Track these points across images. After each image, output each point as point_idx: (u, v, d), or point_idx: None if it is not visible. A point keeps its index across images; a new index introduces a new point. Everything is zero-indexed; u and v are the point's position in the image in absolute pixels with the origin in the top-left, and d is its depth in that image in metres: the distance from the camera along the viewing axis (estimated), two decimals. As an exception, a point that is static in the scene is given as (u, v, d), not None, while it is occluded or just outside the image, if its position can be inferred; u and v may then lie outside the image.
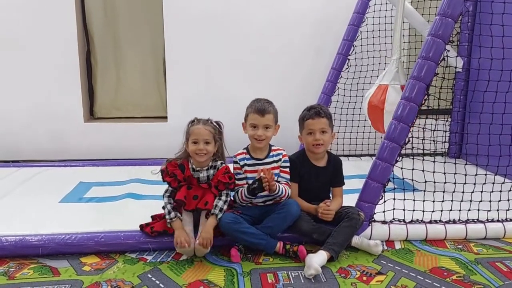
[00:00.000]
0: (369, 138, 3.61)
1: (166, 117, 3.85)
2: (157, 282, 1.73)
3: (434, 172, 2.25)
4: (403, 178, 2.20)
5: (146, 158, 3.65)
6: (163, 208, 2.00)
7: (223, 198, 2.02)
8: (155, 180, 2.38)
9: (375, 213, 2.12)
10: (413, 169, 2.21)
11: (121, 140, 3.78)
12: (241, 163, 2.09)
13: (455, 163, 2.36)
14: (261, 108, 2.01)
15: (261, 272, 1.82)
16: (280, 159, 2.11)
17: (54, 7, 3.50)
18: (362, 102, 3.14)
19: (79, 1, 3.66)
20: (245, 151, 2.12)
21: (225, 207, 2.00)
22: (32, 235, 1.96)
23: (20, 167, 3.35)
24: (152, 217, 2.10)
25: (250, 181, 2.02)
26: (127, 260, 1.92)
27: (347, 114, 3.57)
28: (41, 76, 3.61)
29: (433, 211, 2.18)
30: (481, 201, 2.25)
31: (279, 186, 2.01)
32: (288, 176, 2.11)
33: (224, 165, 2.07)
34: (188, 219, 2.01)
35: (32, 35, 3.53)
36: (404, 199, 2.19)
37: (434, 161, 2.26)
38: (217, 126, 2.07)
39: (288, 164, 2.12)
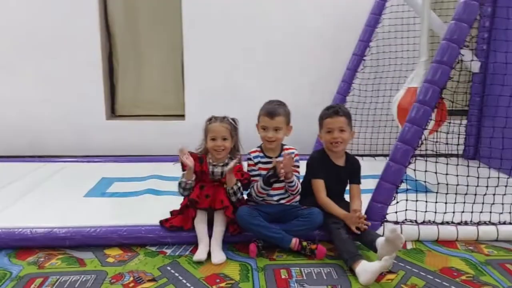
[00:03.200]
0: (383, 138, 3.65)
1: (183, 115, 3.95)
2: (176, 274, 1.83)
3: (446, 174, 2.29)
4: (416, 180, 2.23)
5: (164, 155, 3.76)
6: (179, 184, 2.10)
7: (237, 195, 2.11)
8: (173, 176, 2.49)
9: (387, 214, 2.17)
10: (426, 170, 2.24)
11: (141, 137, 3.90)
12: (255, 160, 2.16)
13: (468, 166, 2.37)
14: (271, 111, 2.07)
15: (274, 268, 1.89)
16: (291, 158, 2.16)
17: (79, 9, 3.64)
18: (389, 104, 3.14)
19: (102, 4, 3.78)
20: (259, 149, 2.19)
21: (239, 193, 2.10)
22: (60, 228, 2.08)
23: (46, 162, 3.50)
24: (171, 212, 2.20)
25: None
26: (147, 253, 2.02)
27: (362, 115, 3.60)
28: (66, 75, 3.75)
29: (445, 213, 2.22)
30: (493, 203, 2.27)
31: (293, 176, 2.06)
32: (298, 175, 2.16)
33: (237, 164, 2.12)
34: (202, 217, 2.09)
35: (59, 37, 3.67)
36: (417, 200, 2.23)
37: (447, 164, 2.30)
38: (233, 122, 2.16)
39: (298, 164, 2.16)
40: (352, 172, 2.21)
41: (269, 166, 2.10)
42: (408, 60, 3.46)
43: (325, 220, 2.05)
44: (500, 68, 2.48)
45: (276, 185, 2.11)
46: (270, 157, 2.15)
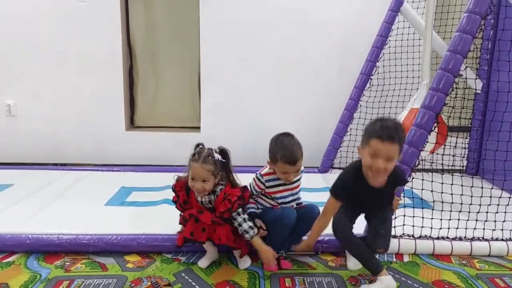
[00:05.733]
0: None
1: (199, 127, 4.16)
2: (190, 280, 2.00)
3: (442, 192, 2.43)
4: (422, 199, 2.37)
5: (180, 165, 3.97)
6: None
7: (239, 220, 2.00)
8: None
9: (386, 228, 2.32)
10: (422, 189, 2.39)
11: (158, 148, 4.12)
12: (267, 184, 2.12)
13: (465, 185, 2.52)
14: (292, 159, 1.99)
15: (280, 276, 2.06)
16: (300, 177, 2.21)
17: (103, 27, 3.89)
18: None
19: (124, 21, 4.03)
20: (272, 171, 2.12)
21: (249, 223, 2.00)
22: (84, 235, 2.27)
23: (69, 170, 3.74)
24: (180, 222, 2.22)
25: (269, 201, 2.16)
26: (164, 259, 2.20)
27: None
28: (90, 89, 3.99)
29: (440, 228, 2.36)
30: (486, 220, 2.41)
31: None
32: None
33: (223, 189, 2.02)
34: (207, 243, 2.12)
35: (84, 54, 3.91)
36: (414, 216, 2.38)
37: (445, 181, 2.44)
38: (217, 160, 1.99)
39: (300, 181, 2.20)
40: (392, 190, 1.94)
41: (280, 189, 2.13)
42: (413, 79, 3.61)
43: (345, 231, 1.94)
44: (504, 86, 2.62)
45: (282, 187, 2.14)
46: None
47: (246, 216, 2.03)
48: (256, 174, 2.18)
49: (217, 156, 2.01)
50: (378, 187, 1.86)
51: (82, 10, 3.83)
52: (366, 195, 1.90)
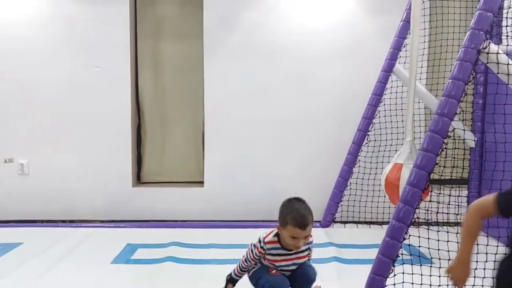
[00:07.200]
0: (389, 207, 3.87)
1: (202, 182, 4.28)
2: None
3: (438, 249, 2.49)
4: (419, 255, 2.41)
5: (184, 220, 4.07)
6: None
7: None
8: (193, 244, 2.79)
9: (385, 286, 2.36)
10: (419, 246, 2.45)
11: (163, 203, 4.23)
12: (269, 252, 2.12)
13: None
14: (303, 222, 1.99)
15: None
16: (309, 248, 2.21)
17: (114, 88, 4.14)
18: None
19: (134, 82, 4.29)
20: (276, 239, 2.12)
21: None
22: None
23: (77, 227, 3.84)
24: None
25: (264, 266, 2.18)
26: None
27: (368, 185, 3.87)
28: (98, 145, 4.18)
29: (439, 285, 2.39)
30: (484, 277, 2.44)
31: None
32: (311, 259, 2.26)
33: None
34: None
35: (94, 112, 4.13)
36: (413, 273, 2.42)
37: (438, 239, 2.51)
38: None
39: (311, 247, 2.24)
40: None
41: (289, 257, 2.15)
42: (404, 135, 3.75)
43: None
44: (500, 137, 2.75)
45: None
46: (290, 250, 2.13)
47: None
48: (259, 237, 2.18)
49: None
50: None
51: (97, 73, 4.10)
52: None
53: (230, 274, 2.28)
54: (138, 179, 4.48)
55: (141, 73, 4.36)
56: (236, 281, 2.27)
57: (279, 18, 4.12)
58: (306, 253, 2.20)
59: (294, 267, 2.22)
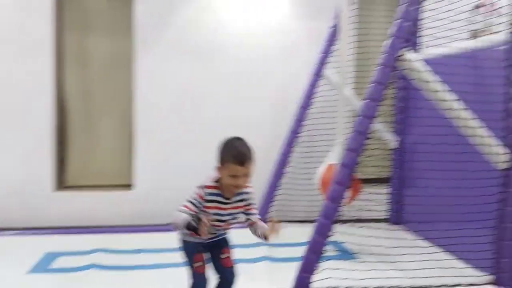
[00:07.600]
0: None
1: (131, 185, 4.11)
2: None
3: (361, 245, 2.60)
4: (338, 250, 2.51)
5: (111, 226, 3.87)
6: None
7: None
8: (119, 250, 2.71)
9: (311, 282, 2.41)
10: (342, 242, 2.54)
11: (88, 208, 3.99)
12: (208, 198, 1.96)
13: (384, 236, 2.71)
14: (242, 158, 1.90)
15: None
16: (247, 198, 2.05)
17: (32, 83, 3.85)
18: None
19: (56, 79, 4.00)
20: (216, 184, 1.99)
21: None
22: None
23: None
24: None
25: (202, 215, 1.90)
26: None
27: (300, 184, 3.94)
28: (15, 146, 3.86)
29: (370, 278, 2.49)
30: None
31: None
32: (257, 212, 2.07)
33: None
34: None
35: (10, 108, 3.82)
36: (337, 269, 2.50)
37: (367, 233, 2.62)
38: None
39: (255, 201, 2.08)
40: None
41: (226, 206, 1.99)
42: (334, 136, 3.88)
43: None
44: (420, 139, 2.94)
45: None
46: (228, 198, 1.99)
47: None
48: (201, 184, 2.03)
49: None
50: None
51: (13, 68, 3.80)
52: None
53: (188, 222, 1.92)
54: (61, 183, 4.19)
55: (66, 69, 4.10)
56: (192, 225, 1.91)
57: (214, 17, 4.10)
58: (243, 203, 2.05)
59: (229, 218, 2.05)
